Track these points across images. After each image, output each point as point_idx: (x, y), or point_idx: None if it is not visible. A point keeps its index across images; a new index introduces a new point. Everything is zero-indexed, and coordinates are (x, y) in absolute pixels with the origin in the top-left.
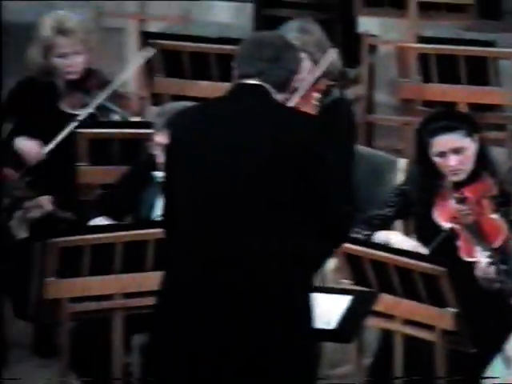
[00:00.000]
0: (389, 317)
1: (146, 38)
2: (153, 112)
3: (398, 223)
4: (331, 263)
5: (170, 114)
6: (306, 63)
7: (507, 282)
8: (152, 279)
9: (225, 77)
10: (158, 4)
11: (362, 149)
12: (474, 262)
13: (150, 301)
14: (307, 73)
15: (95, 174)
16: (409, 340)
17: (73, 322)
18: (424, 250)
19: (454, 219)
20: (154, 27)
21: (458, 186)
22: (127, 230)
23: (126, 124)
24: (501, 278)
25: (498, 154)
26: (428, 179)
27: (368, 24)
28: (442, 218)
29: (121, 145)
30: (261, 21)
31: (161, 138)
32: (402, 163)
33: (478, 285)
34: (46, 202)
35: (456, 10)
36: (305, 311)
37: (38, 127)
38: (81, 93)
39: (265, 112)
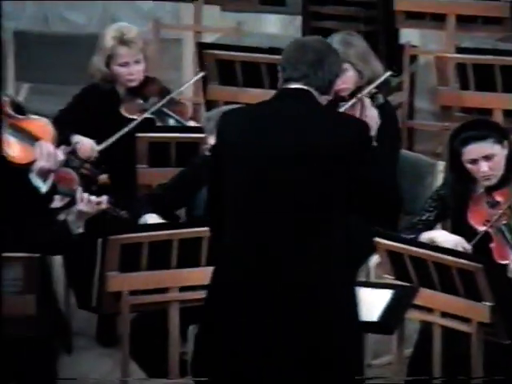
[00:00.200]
0: (428, 310)
1: (202, 48)
2: (204, 117)
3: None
4: (375, 259)
5: (218, 118)
6: (350, 73)
7: None
8: (206, 274)
9: (274, 85)
10: (212, 16)
11: (404, 152)
12: (506, 264)
13: (203, 294)
14: (351, 82)
15: (153, 176)
16: (447, 332)
17: (133, 313)
18: (467, 245)
19: (486, 222)
20: (208, 38)
21: (490, 190)
22: (183, 228)
23: (182, 129)
24: None
25: None
26: (461, 184)
27: (409, 35)
28: (476, 222)
29: (177, 148)
30: (308, 32)
31: (212, 141)
32: (442, 166)
33: (511, 282)
34: (103, 200)
35: (492, 23)
36: (351, 305)
37: (99, 130)
38: (140, 99)
39: (310, 115)
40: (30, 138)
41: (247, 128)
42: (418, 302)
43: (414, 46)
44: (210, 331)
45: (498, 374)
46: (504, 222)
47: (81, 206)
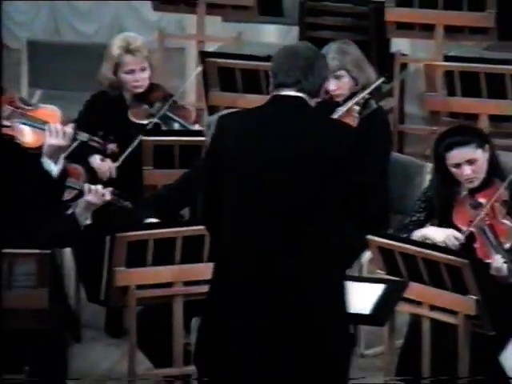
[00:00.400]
0: (417, 303)
1: (204, 56)
2: (205, 123)
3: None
4: (367, 256)
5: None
6: (346, 79)
7: None
8: (208, 269)
9: None
10: (214, 27)
11: (394, 154)
12: (489, 263)
13: (206, 288)
14: (346, 88)
15: (158, 177)
16: (435, 324)
17: (139, 306)
18: (459, 235)
19: (470, 223)
20: (210, 47)
21: (473, 192)
22: (186, 226)
23: (185, 132)
24: None
25: None
26: (446, 187)
27: (400, 44)
28: (460, 222)
29: (181, 150)
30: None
31: None
32: (430, 167)
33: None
34: (106, 192)
35: (478, 33)
36: (343, 304)
37: (109, 133)
38: (145, 104)
39: (304, 120)
40: (40, 123)
41: (244, 131)
42: (407, 295)
43: (404, 55)
44: (210, 328)
45: (483, 365)
46: (487, 222)
47: (89, 198)
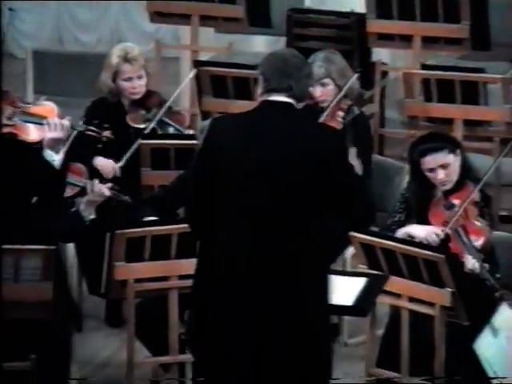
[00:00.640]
0: (397, 295)
1: (197, 65)
2: (198, 128)
3: None
4: (350, 251)
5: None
6: (331, 87)
7: (489, 278)
8: None
9: None
10: (207, 37)
11: (375, 157)
12: (463, 261)
13: None
14: (331, 95)
15: (155, 177)
16: (414, 314)
17: (137, 298)
18: (438, 231)
19: (445, 223)
20: (204, 57)
21: (447, 194)
22: (181, 223)
23: (180, 136)
24: (485, 276)
25: (485, 161)
26: (422, 190)
27: (380, 54)
28: (436, 223)
29: (176, 153)
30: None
31: None
32: (408, 169)
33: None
34: (105, 188)
35: (453, 43)
36: (324, 291)
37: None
38: (143, 110)
39: (293, 124)
40: (39, 119)
41: (236, 133)
42: (388, 288)
43: (384, 64)
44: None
45: (458, 353)
46: (460, 223)
47: (91, 195)
